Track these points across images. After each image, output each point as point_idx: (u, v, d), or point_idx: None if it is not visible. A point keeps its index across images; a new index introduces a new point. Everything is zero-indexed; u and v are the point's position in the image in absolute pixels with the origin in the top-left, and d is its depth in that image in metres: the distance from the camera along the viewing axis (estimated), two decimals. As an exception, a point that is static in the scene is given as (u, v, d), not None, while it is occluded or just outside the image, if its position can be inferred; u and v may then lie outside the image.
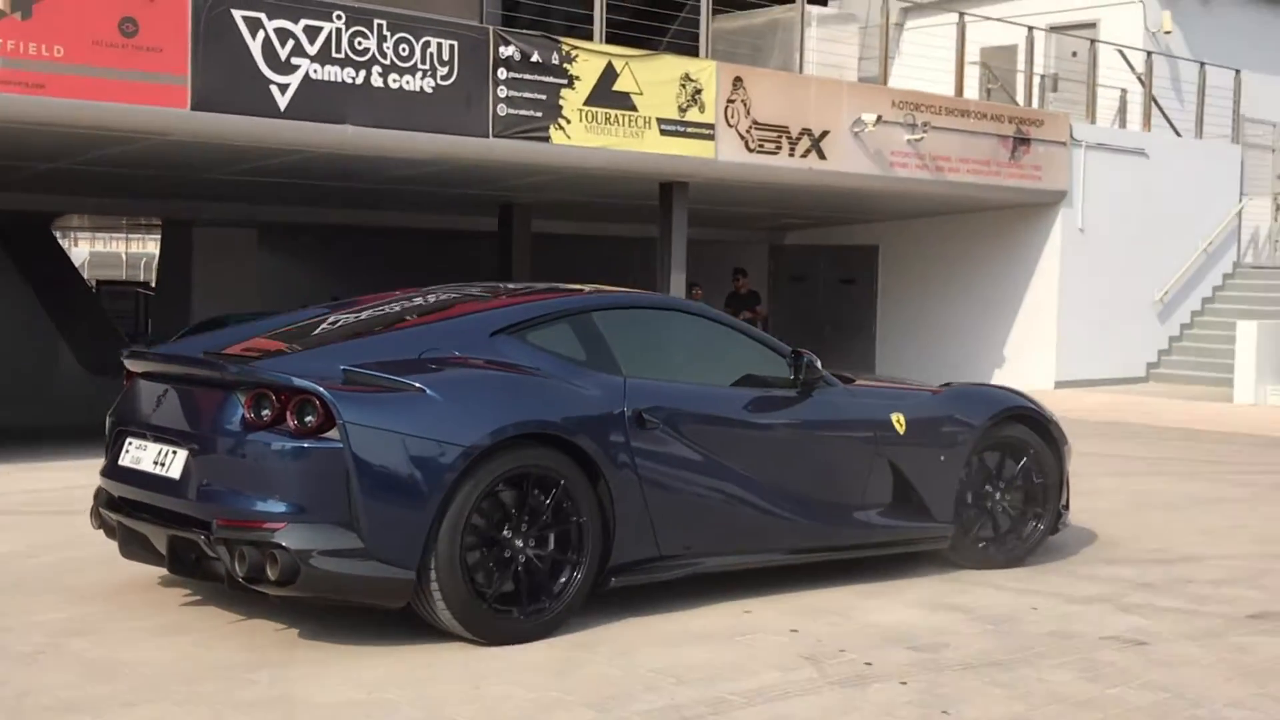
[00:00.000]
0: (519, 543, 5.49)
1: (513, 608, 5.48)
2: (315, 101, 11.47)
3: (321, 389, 5.23)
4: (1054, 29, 20.33)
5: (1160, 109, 20.10)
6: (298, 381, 5.29)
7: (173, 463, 5.57)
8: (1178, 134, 20.20)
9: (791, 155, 14.71)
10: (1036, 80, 19.62)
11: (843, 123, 15.14)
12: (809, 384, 6.57)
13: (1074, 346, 18.13)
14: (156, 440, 5.72)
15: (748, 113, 14.26)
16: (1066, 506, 7.49)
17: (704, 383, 6.42)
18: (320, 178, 14.66)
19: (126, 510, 5.81)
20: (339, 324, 6.33)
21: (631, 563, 5.87)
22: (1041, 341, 18.12)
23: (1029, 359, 18.14)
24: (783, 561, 6.54)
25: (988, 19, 18.75)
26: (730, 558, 6.29)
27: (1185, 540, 8.02)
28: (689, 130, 13.78)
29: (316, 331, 6.21)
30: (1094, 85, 19.21)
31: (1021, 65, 19.39)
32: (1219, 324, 19.12)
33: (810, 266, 21.12)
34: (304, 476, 5.22)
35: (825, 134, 14.97)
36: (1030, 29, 18.72)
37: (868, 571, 6.82)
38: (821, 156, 14.97)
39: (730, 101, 14.11)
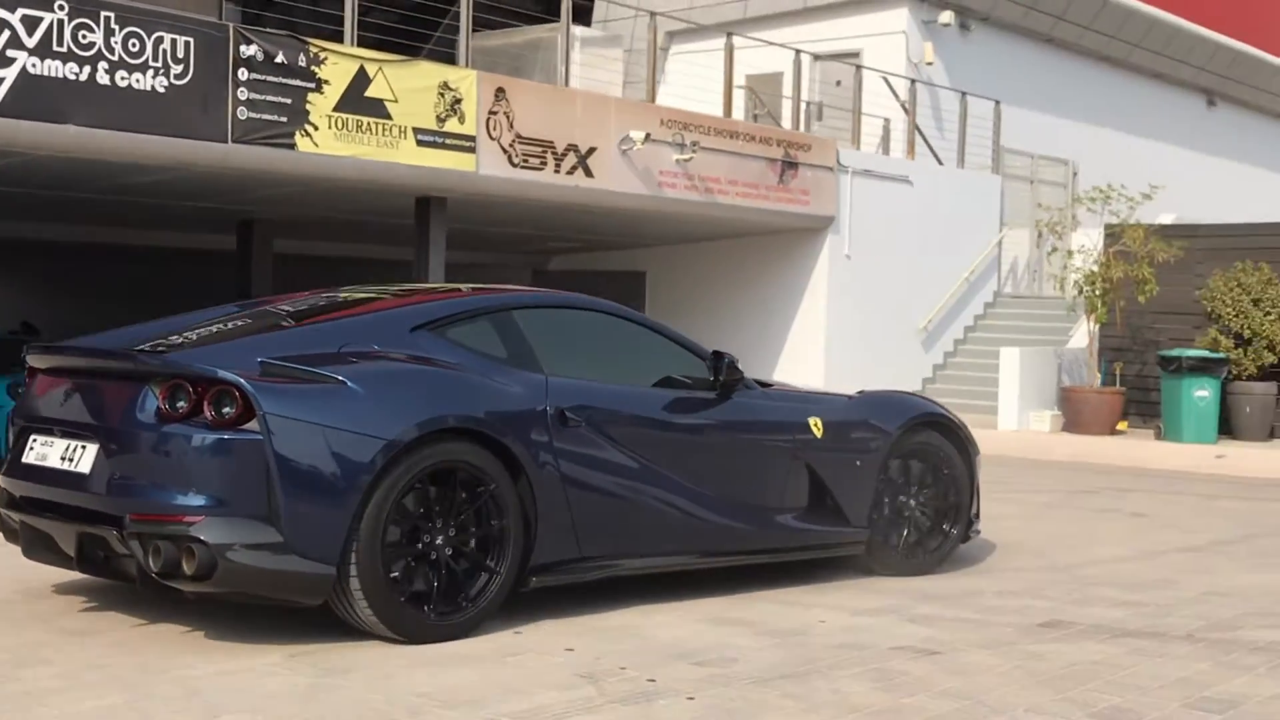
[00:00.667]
0: (439, 540, 5.57)
1: (428, 607, 5.52)
2: (34, 98, 10.74)
3: (241, 379, 5.24)
4: (819, 57, 20.73)
5: (923, 137, 20.65)
6: (220, 373, 5.29)
7: (82, 457, 5.54)
8: (940, 162, 20.76)
9: (557, 172, 14.52)
10: (803, 107, 19.92)
11: (610, 140, 15.04)
12: (728, 386, 6.74)
13: (842, 373, 18.31)
14: (64, 435, 5.69)
15: (511, 126, 14.01)
16: (977, 515, 7.73)
17: (626, 382, 6.57)
18: (38, 185, 13.73)
19: (30, 509, 5.77)
20: (250, 319, 6.34)
21: (553, 563, 5.97)
22: (810, 369, 18.29)
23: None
24: (700, 564, 6.70)
25: (753, 40, 18.97)
26: (651, 559, 6.42)
27: (968, 555, 8.00)
28: (448, 142, 13.44)
29: (228, 326, 6.19)
30: (859, 112, 19.61)
31: (788, 91, 19.70)
32: (982, 351, 19.68)
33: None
34: (222, 469, 5.24)
35: (592, 151, 14.83)
36: (798, 52, 19.03)
37: (651, 589, 6.60)
38: (588, 174, 14.83)
39: (492, 113, 13.83)
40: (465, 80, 13.60)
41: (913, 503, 7.42)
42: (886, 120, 20.65)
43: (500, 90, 13.95)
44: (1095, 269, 18.11)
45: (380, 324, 6.15)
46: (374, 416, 5.42)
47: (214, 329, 6.10)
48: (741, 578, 6.85)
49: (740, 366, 6.83)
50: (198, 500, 5.20)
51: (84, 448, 5.55)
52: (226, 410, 5.24)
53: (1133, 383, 18.58)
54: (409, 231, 15.00)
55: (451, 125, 13.45)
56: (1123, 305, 18.31)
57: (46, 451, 5.73)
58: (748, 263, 19.14)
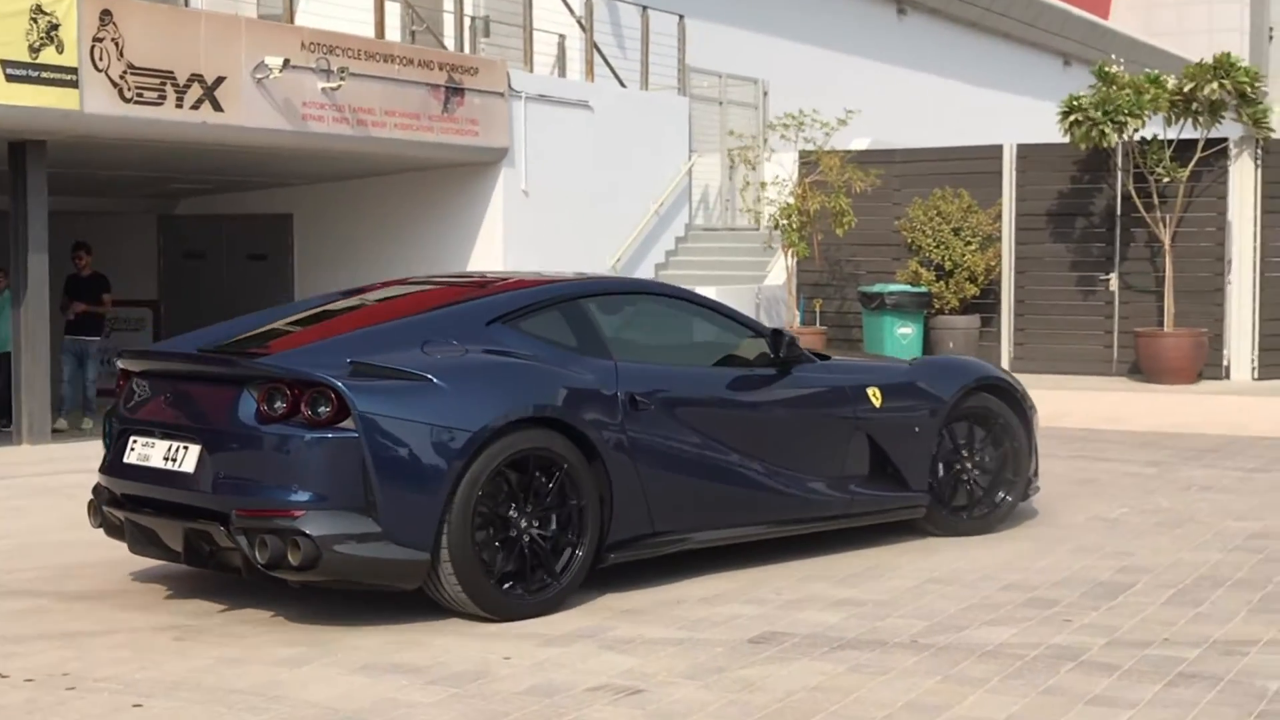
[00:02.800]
0: (524, 522, 6.55)
1: (516, 585, 6.52)
2: None
3: (336, 381, 6.18)
4: (484, -37, 20.44)
5: (603, 56, 20.67)
6: (315, 374, 6.24)
7: (184, 457, 6.48)
8: (622, 84, 20.85)
9: (180, 106, 13.92)
10: (467, 23, 19.63)
11: (243, 68, 14.50)
12: (788, 362, 7.82)
13: None
14: (165, 437, 6.63)
15: (121, 54, 13.30)
16: (1036, 474, 8.92)
17: (690, 364, 7.82)
18: None
19: (134, 507, 6.76)
20: (335, 316, 7.62)
21: (629, 539, 7.02)
22: None
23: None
24: (770, 534, 7.77)
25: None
26: (721, 531, 7.50)
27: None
28: (44, 76, 12.72)
29: (315, 325, 7.43)
30: (530, 29, 19.44)
31: (449, 6, 19.35)
32: None
33: (210, 240, 20.31)
34: (322, 466, 6.16)
35: (221, 81, 14.24)
36: (462, -39, 18.76)
37: (295, 633, 6.23)
38: (217, 108, 14.24)
39: (98, 40, 13.09)
40: (62, 1, 12.69)
41: (970, 465, 8.56)
42: (562, 37, 20.76)
43: (106, 12, 13.16)
44: (791, 201, 18.52)
45: (458, 319, 7.13)
46: (459, 410, 6.35)
47: (305, 327, 7.38)
48: (416, 607, 6.52)
49: (799, 343, 8.01)
50: (301, 496, 6.12)
51: (186, 448, 6.47)
52: (323, 410, 6.15)
53: (834, 320, 19.20)
54: (4, 179, 14.05)
55: (48, 55, 12.73)
56: (821, 238, 18.78)
57: (148, 452, 6.65)
58: (412, 203, 18.96)
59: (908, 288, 17.93)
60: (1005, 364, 18.50)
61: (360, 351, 6.53)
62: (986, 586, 7.15)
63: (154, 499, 6.63)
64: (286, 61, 14.65)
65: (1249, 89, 17.22)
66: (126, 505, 6.78)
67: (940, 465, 8.40)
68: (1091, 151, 17.88)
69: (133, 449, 6.76)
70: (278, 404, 6.20)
